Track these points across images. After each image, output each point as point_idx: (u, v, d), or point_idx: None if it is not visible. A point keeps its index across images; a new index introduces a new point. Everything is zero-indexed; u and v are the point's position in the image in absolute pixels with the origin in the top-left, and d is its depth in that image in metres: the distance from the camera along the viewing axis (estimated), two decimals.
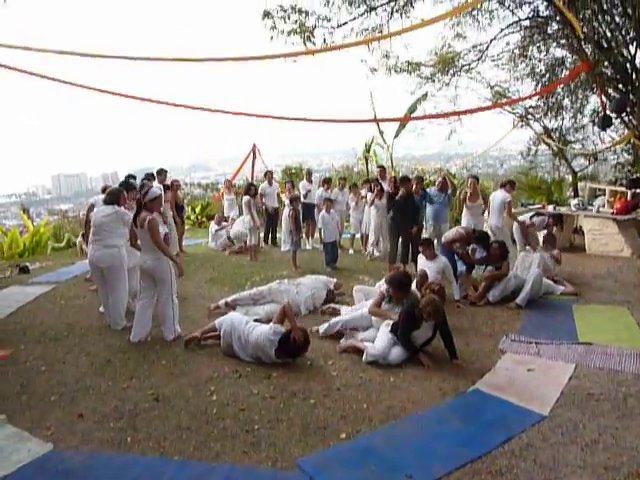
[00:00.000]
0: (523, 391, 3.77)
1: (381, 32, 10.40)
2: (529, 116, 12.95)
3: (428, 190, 8.13)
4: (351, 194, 9.62)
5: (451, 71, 12.45)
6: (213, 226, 10.54)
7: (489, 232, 7.41)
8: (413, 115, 14.40)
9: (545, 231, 7.65)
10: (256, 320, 4.92)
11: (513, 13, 11.09)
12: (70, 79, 5.38)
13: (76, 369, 4.32)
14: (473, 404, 3.67)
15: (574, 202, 9.47)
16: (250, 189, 9.04)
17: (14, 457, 3.03)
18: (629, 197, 9.05)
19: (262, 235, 10.37)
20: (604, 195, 9.93)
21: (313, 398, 3.73)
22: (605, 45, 9.24)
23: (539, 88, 11.76)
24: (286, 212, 8.73)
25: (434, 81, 12.86)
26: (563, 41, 10.64)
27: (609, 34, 9.31)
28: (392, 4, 10.19)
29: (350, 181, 11.24)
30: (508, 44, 11.82)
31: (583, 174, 13.64)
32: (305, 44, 9.96)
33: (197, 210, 15.14)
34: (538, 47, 11.55)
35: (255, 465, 2.95)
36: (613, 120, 9.12)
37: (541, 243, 7.30)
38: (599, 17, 9.04)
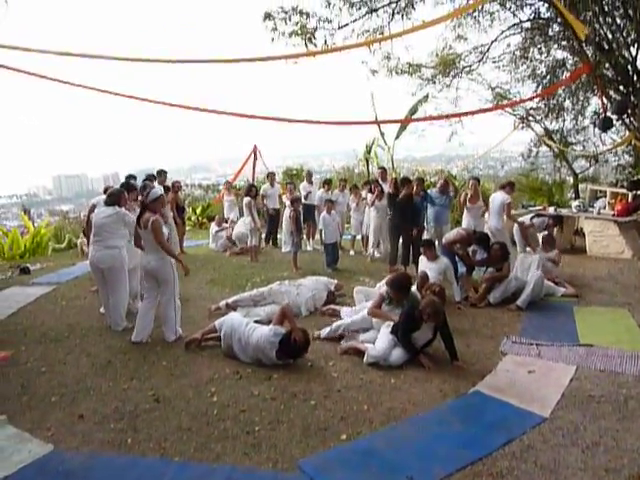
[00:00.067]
0: (524, 393, 3.76)
1: (382, 34, 10.42)
2: (530, 118, 12.97)
3: (429, 192, 8.12)
4: (352, 195, 9.62)
5: (452, 73, 12.49)
6: (213, 227, 10.55)
7: (489, 234, 7.40)
8: (414, 117, 14.40)
9: (546, 232, 7.65)
10: (257, 321, 4.92)
11: (514, 15, 11.13)
12: (70, 79, 5.40)
13: (77, 370, 4.32)
14: (474, 406, 3.67)
15: (575, 204, 9.47)
16: (251, 190, 9.04)
17: (15, 458, 3.03)
18: (630, 199, 9.05)
19: (264, 236, 10.39)
20: (605, 197, 9.94)
21: (314, 399, 3.73)
22: (606, 47, 9.25)
23: (540, 90, 11.77)
24: (287, 213, 8.73)
25: (435, 83, 12.90)
26: (564, 43, 10.66)
27: (610, 36, 9.32)
28: (393, 6, 10.22)
29: (351, 182, 11.24)
30: (509, 46, 11.87)
31: (584, 176, 13.65)
32: (306, 46, 9.98)
33: (198, 211, 15.15)
34: (539, 49, 11.58)
35: (256, 466, 2.94)
36: (614, 122, 9.12)
37: (540, 244, 7.30)
38: (600, 19, 9.05)
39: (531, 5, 10.67)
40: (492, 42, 11.71)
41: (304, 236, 9.57)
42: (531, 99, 11.95)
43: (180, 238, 9.35)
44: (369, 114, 15.28)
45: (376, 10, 10.26)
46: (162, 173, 8.95)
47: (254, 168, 13.93)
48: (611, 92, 9.85)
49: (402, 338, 4.36)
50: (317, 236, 10.08)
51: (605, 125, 8.55)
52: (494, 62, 12.25)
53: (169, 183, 9.23)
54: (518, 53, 11.80)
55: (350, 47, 7.93)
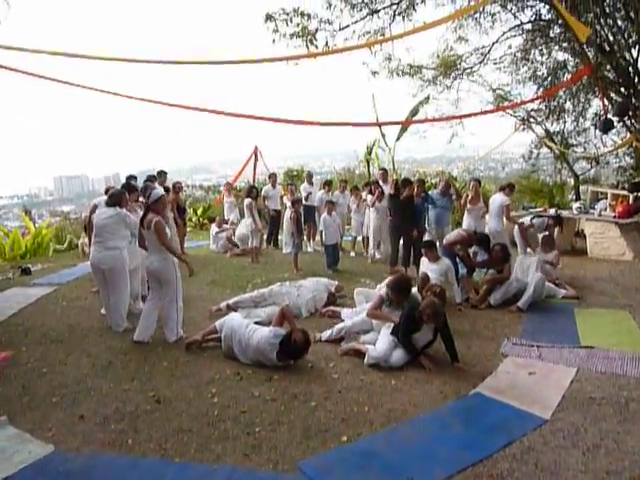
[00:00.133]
0: (525, 395, 3.76)
1: (383, 35, 10.43)
2: (531, 119, 12.97)
3: (430, 193, 8.12)
4: (352, 197, 9.62)
5: (453, 74, 12.50)
6: (214, 228, 10.55)
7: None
8: (415, 118, 14.41)
9: (546, 232, 7.64)
10: (257, 322, 4.92)
11: (515, 16, 11.14)
12: (70, 79, 5.41)
13: (77, 371, 4.32)
14: (474, 407, 3.66)
15: (576, 205, 9.47)
16: (252, 191, 9.04)
17: (15, 458, 3.03)
18: (631, 201, 9.05)
19: (265, 237, 10.39)
20: (606, 198, 9.94)
21: (314, 401, 3.72)
22: (607, 48, 9.26)
23: (541, 91, 11.76)
24: (287, 214, 8.73)
25: (436, 84, 12.91)
26: (565, 44, 10.66)
27: (611, 37, 9.33)
28: (394, 7, 10.23)
29: (351, 183, 11.24)
30: (510, 47, 11.88)
31: (585, 177, 13.64)
32: (307, 47, 9.99)
33: (199, 212, 15.16)
34: (540, 50, 11.58)
35: (256, 467, 2.94)
36: (615, 124, 9.12)
37: (540, 245, 7.29)
38: (601, 20, 9.05)
39: (532, 7, 10.69)
40: (493, 44, 11.72)
41: (305, 237, 9.58)
42: (532, 101, 11.94)
43: (181, 239, 9.34)
44: (370, 115, 15.31)
45: (377, 12, 10.28)
46: (162, 174, 8.95)
47: (255, 169, 13.94)
48: (612, 94, 9.86)
49: (402, 339, 4.36)
50: (318, 237, 10.08)
51: (606, 127, 8.56)
52: (495, 64, 12.27)
53: (170, 184, 9.23)
54: (519, 55, 11.80)
55: (351, 48, 7.94)
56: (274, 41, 9.80)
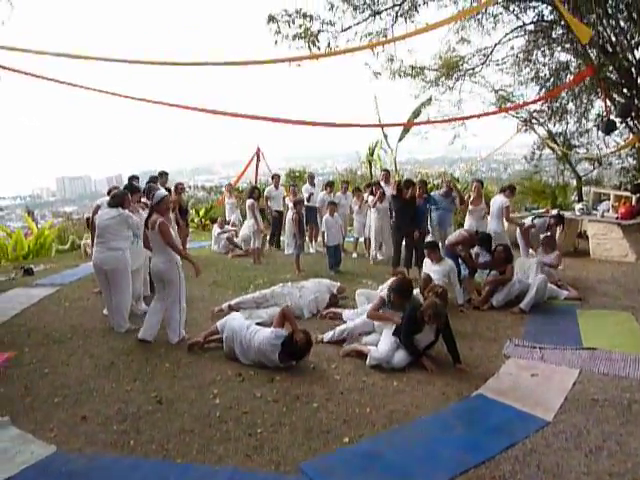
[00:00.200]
0: (527, 396, 3.75)
1: (385, 36, 10.43)
2: (533, 120, 12.96)
3: (432, 194, 8.11)
4: (354, 198, 9.62)
5: (455, 75, 12.48)
6: (216, 229, 10.57)
7: None
8: (417, 119, 14.41)
9: (548, 233, 7.62)
10: (259, 323, 4.92)
11: (517, 17, 11.13)
12: (73, 81, 5.43)
13: (80, 371, 4.33)
14: (476, 409, 3.66)
15: (578, 206, 9.45)
16: (253, 192, 9.05)
17: (18, 459, 3.03)
18: (634, 202, 9.02)
19: (268, 238, 10.40)
20: (609, 200, 9.91)
21: (316, 402, 3.72)
22: (610, 49, 9.24)
23: (543, 92, 11.75)
24: (289, 215, 8.74)
25: (438, 85, 12.89)
26: (568, 45, 10.64)
27: (614, 38, 9.31)
28: (396, 9, 10.23)
29: (353, 185, 11.24)
30: (512, 48, 11.86)
31: (587, 178, 13.63)
32: (310, 48, 9.99)
33: (201, 213, 15.18)
34: (542, 51, 11.57)
35: (258, 468, 2.94)
36: (618, 125, 9.10)
37: (540, 246, 7.26)
38: (604, 21, 9.04)
39: (534, 8, 10.68)
40: (495, 45, 11.71)
41: (307, 238, 9.58)
42: (534, 102, 11.93)
43: (183, 240, 9.34)
44: (372, 116, 15.32)
45: (379, 13, 10.28)
46: (163, 175, 8.95)
47: (257, 170, 13.96)
48: (615, 95, 9.84)
49: (404, 340, 4.36)
50: (320, 238, 10.08)
51: (609, 128, 8.55)
52: (497, 65, 12.24)
53: (171, 185, 9.24)
54: (521, 56, 11.79)
55: (353, 50, 7.94)
56: (276, 42, 9.82)
